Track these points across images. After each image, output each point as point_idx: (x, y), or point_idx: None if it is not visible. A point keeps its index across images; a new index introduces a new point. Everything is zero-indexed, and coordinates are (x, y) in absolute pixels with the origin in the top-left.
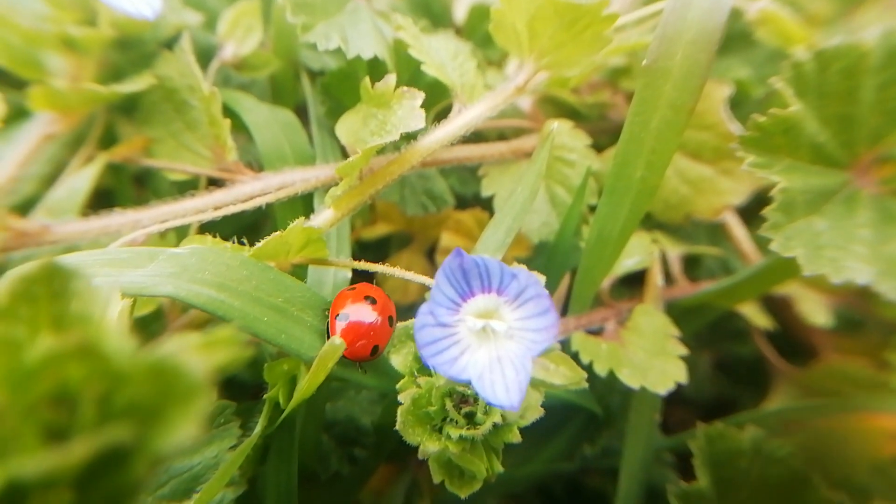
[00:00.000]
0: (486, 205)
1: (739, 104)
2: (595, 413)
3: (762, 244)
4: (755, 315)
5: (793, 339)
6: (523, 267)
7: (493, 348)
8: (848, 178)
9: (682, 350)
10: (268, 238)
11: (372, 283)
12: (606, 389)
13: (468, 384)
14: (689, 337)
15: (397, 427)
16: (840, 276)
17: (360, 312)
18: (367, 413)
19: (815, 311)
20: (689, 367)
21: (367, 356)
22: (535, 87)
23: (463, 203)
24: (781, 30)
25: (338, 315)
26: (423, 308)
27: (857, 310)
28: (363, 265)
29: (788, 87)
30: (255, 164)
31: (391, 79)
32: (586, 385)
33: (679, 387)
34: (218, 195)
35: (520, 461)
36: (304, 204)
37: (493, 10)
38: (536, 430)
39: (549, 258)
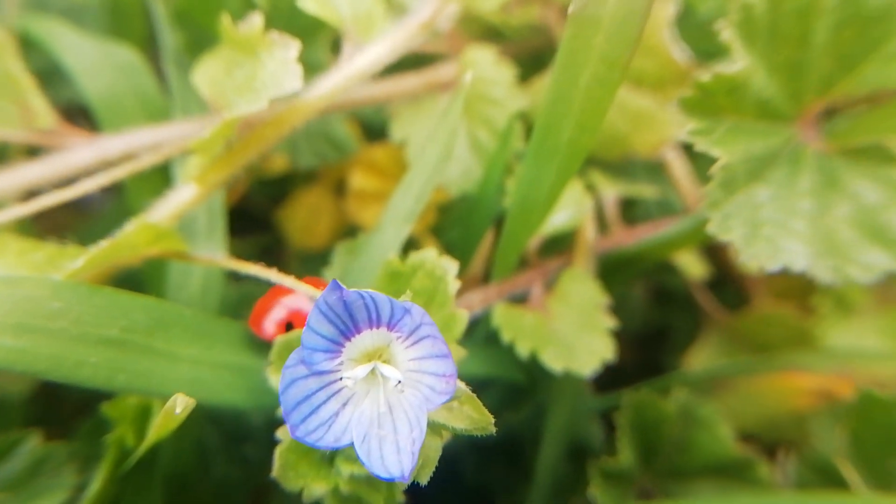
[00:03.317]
0: None
1: (685, 18)
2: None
3: (703, 180)
4: (691, 264)
5: (727, 281)
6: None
7: (382, 398)
8: (793, 132)
9: (611, 322)
10: (95, 249)
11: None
12: None
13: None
14: (621, 284)
15: (274, 474)
16: (776, 262)
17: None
18: None
19: None
20: (620, 298)
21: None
22: (448, 18)
23: (377, 134)
24: None
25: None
26: (292, 359)
27: None
28: (238, 264)
29: (736, 38)
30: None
31: (257, 19)
32: (493, 430)
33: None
34: (30, 169)
35: None
36: (162, 172)
37: None
38: None
39: (469, 212)
